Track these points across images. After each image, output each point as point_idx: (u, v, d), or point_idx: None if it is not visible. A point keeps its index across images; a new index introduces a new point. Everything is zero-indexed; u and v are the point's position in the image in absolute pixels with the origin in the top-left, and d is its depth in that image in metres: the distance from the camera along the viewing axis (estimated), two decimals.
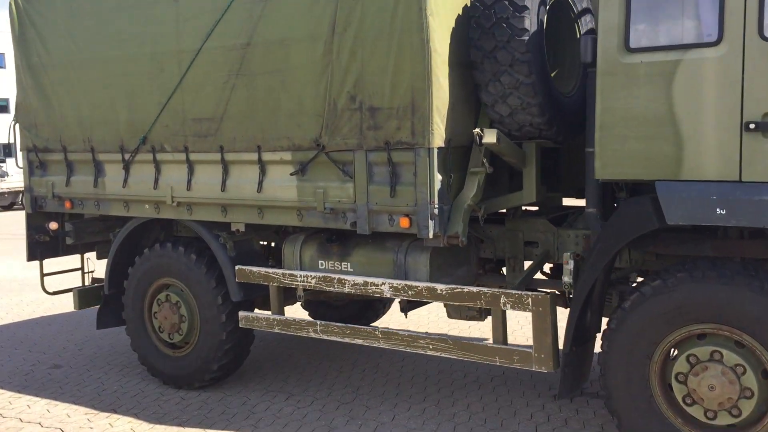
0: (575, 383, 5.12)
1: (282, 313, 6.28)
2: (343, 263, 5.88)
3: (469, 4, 5.34)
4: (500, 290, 5.14)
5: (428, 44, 5.04)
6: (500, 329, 5.24)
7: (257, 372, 7.30)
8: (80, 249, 8.02)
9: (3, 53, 50.80)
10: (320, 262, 6.00)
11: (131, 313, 7.12)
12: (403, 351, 7.31)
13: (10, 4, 7.28)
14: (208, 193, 6.29)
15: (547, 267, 6.19)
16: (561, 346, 5.00)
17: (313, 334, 6.00)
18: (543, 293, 4.98)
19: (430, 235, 5.21)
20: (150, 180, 6.62)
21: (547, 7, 5.27)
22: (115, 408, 6.55)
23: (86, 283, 8.10)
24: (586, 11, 5.78)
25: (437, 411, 6.12)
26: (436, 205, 5.19)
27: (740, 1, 4.27)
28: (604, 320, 5.15)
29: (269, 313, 6.33)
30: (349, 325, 5.87)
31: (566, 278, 4.97)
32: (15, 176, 26.78)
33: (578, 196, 6.51)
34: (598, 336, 5.14)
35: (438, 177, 5.19)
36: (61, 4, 6.95)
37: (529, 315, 5.18)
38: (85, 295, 7.61)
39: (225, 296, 6.53)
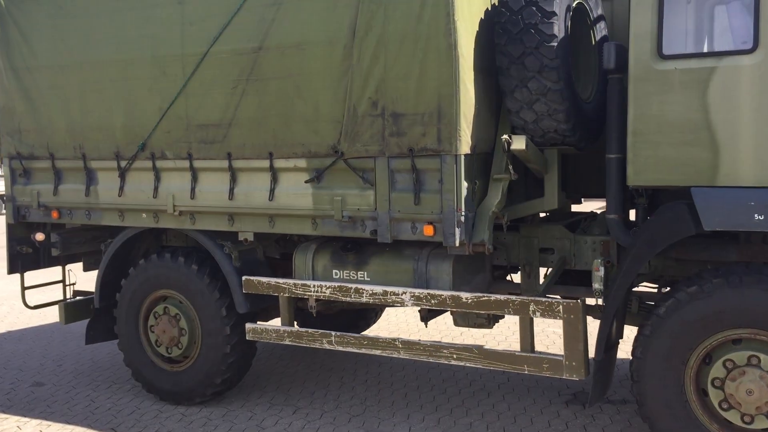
0: (604, 390, 5.11)
1: (292, 324, 6.11)
2: (359, 272, 5.76)
3: (490, 9, 5.30)
4: (529, 298, 5.10)
5: (456, 49, 4.97)
6: (528, 337, 5.19)
7: (256, 384, 7.10)
8: (62, 261, 7.68)
9: None
10: (334, 271, 5.86)
11: (125, 327, 6.84)
12: (406, 360, 7.35)
13: None
14: (213, 202, 6.09)
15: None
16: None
17: (327, 346, 5.85)
18: (574, 300, 4.95)
19: (457, 243, 5.14)
20: (149, 188, 6.37)
21: (571, 13, 5.27)
22: (113, 427, 6.27)
23: (68, 296, 7.78)
24: (600, 18, 5.80)
25: (452, 421, 6.04)
26: (463, 213, 5.12)
27: None
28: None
29: (277, 324, 6.15)
30: (366, 335, 5.75)
31: (597, 285, 4.95)
32: None
33: (575, 202, 6.55)
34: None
35: (464, 184, 5.12)
36: (47, 3, 6.64)
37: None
38: (72, 309, 7.29)
39: (229, 308, 6.32)
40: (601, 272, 4.95)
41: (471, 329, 8.42)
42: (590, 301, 5.40)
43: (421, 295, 5.39)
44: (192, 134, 6.08)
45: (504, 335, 8.31)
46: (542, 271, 5.92)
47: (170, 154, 6.22)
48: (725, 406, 4.60)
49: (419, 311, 5.85)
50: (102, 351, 8.45)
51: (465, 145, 5.08)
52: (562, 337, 5.01)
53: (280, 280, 5.98)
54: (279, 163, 5.75)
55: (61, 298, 7.78)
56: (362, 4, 5.23)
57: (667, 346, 4.69)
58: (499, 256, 5.99)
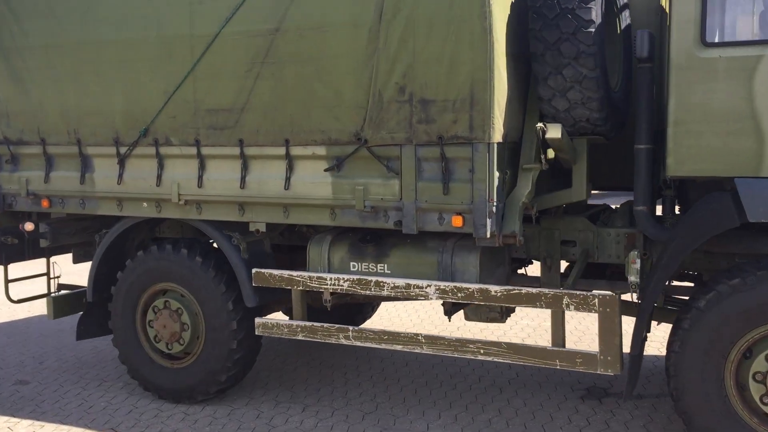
0: (635, 384, 5.01)
1: (305, 318, 5.87)
2: (378, 265, 5.55)
3: None
4: (563, 291, 4.96)
5: (491, 34, 4.80)
6: (559, 332, 5.06)
7: (257, 381, 6.84)
8: (47, 252, 7.30)
9: None
10: (352, 264, 5.64)
11: (121, 322, 6.50)
12: (409, 355, 7.17)
13: None
14: (223, 191, 5.81)
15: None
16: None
17: (344, 341, 5.64)
18: (610, 293, 4.83)
19: (488, 235, 4.97)
20: (151, 176, 6.06)
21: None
22: (113, 426, 5.96)
23: (52, 290, 7.40)
24: (626, 6, 5.69)
25: (470, 418, 5.88)
26: (495, 203, 4.95)
27: None
28: None
29: (286, 318, 5.91)
30: (387, 330, 5.54)
31: (633, 278, 4.84)
32: None
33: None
34: None
35: (496, 174, 4.96)
36: None
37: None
38: (61, 303, 6.91)
39: (236, 302, 6.06)
40: (638, 264, 4.83)
41: (467, 323, 8.33)
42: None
43: (447, 288, 5.21)
44: (200, 119, 5.79)
45: (502, 330, 8.19)
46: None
47: (176, 141, 5.92)
48: (767, 400, 4.54)
49: (442, 305, 5.67)
50: (85, 347, 8.08)
51: (498, 133, 4.92)
52: (597, 331, 4.88)
53: (294, 273, 5.74)
54: (296, 151, 5.51)
55: (45, 291, 7.43)
56: None
57: (706, 340, 4.61)
58: (518, 249, 5.85)
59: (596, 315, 4.88)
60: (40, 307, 9.51)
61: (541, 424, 5.71)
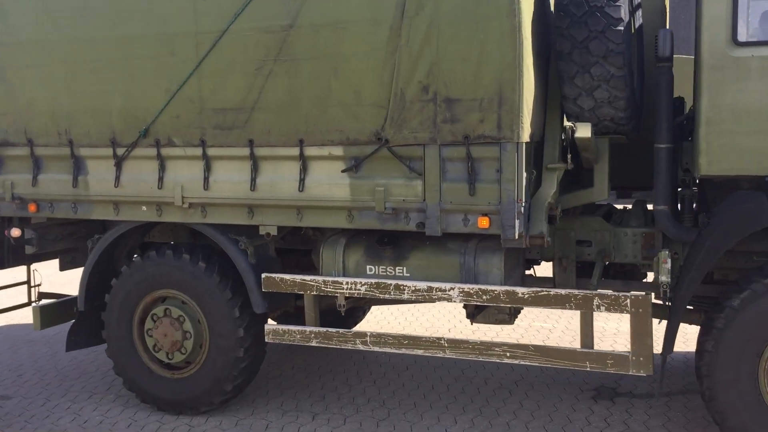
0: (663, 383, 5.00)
1: (318, 324, 5.69)
2: (397, 268, 5.41)
3: None
4: (593, 292, 4.91)
5: (520, 31, 4.71)
6: (589, 333, 5.01)
7: (256, 389, 6.60)
8: (27, 260, 6.94)
9: None
10: (368, 267, 5.49)
11: (116, 332, 6.20)
12: (407, 358, 7.04)
13: None
14: (231, 193, 5.59)
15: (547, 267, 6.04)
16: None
17: (361, 347, 5.48)
18: (642, 294, 4.80)
19: (516, 236, 4.88)
20: (152, 178, 5.79)
21: None
22: None
23: (33, 299, 7.05)
24: (639, 6, 5.68)
25: (487, 422, 5.79)
26: (523, 204, 4.87)
27: None
28: None
29: (294, 324, 5.73)
30: (407, 334, 5.41)
31: (664, 277, 4.82)
32: None
33: None
34: None
35: (524, 174, 4.87)
36: None
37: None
38: (48, 312, 6.56)
39: (242, 308, 5.84)
40: (669, 264, 4.81)
41: (457, 325, 8.27)
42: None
43: (472, 291, 5.11)
44: (206, 119, 5.55)
45: (494, 330, 8.13)
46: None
47: (179, 141, 5.66)
48: None
49: (464, 308, 5.56)
50: (63, 358, 7.73)
51: (526, 133, 4.84)
52: (629, 331, 4.84)
53: (307, 277, 5.56)
54: (311, 151, 5.32)
55: (26, 300, 7.07)
56: None
57: (741, 339, 4.61)
58: (532, 250, 5.79)
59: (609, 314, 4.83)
60: (9, 317, 9.06)
61: (561, 427, 5.66)
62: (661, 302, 5.09)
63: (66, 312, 6.66)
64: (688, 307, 5.59)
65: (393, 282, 5.29)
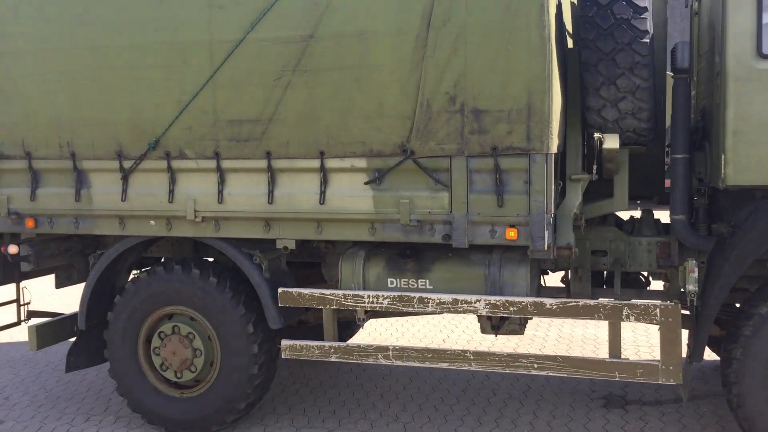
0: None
1: (336, 339, 5.59)
2: (419, 280, 5.36)
3: (575, 2, 5.11)
4: (622, 302, 4.93)
5: (550, 42, 4.72)
6: (617, 343, 5.03)
7: (264, 407, 6.45)
8: (17, 277, 6.67)
9: None
10: (390, 280, 5.42)
11: (120, 351, 5.99)
12: (405, 370, 7.00)
13: None
14: (247, 207, 5.45)
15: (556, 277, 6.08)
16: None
17: (383, 361, 5.40)
18: (672, 303, 4.84)
19: (545, 247, 4.88)
20: (162, 192, 5.62)
21: None
22: None
23: (23, 318, 6.78)
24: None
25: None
26: (552, 215, 4.88)
27: None
28: None
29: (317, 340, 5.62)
30: (430, 347, 5.35)
31: (691, 286, 4.87)
32: None
33: None
34: None
35: (552, 185, 4.89)
36: None
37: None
38: (45, 332, 6.29)
39: (256, 324, 5.70)
40: (696, 273, 4.87)
41: (450, 335, 8.25)
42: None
43: (498, 303, 5.09)
44: (220, 131, 5.42)
45: (489, 340, 8.14)
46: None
47: (191, 153, 5.51)
48: None
49: (488, 320, 5.54)
50: (49, 379, 7.45)
51: (554, 144, 4.85)
52: (659, 340, 4.88)
53: (326, 291, 5.46)
54: (332, 163, 5.24)
55: (14, 320, 6.79)
56: None
57: None
58: (546, 260, 5.80)
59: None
60: None
61: None
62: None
63: (63, 331, 6.42)
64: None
65: (417, 295, 5.24)
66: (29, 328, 6.25)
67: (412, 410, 6.30)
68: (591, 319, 4.99)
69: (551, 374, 5.09)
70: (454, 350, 5.27)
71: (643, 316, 4.87)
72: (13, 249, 6.03)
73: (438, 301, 5.20)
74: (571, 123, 5.33)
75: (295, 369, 7.39)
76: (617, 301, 4.94)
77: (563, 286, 6.37)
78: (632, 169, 5.81)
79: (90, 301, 6.05)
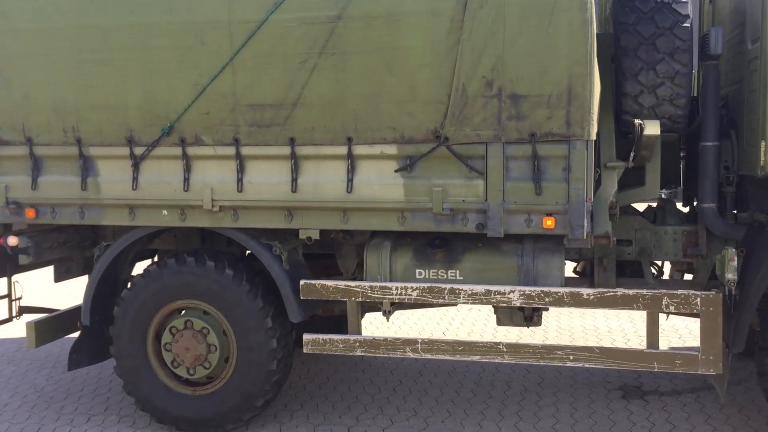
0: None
1: (360, 332, 5.41)
2: (449, 271, 5.20)
3: None
4: (662, 291, 4.84)
5: (591, 25, 4.60)
6: (655, 333, 4.95)
7: (275, 403, 6.22)
8: (9, 271, 6.32)
9: None
10: (418, 271, 5.25)
11: (128, 348, 5.70)
12: (408, 362, 6.86)
13: None
14: (269, 195, 5.22)
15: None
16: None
17: (411, 354, 5.23)
18: (713, 293, 4.77)
19: (585, 236, 4.77)
20: (176, 180, 5.35)
21: None
22: None
23: (14, 314, 6.43)
24: None
25: (531, 426, 5.66)
26: (591, 202, 4.77)
27: None
28: None
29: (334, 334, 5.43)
30: (461, 340, 5.20)
31: (731, 275, 4.80)
32: None
33: None
34: None
35: (592, 172, 4.77)
36: None
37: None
38: (45, 328, 5.97)
39: (275, 318, 5.48)
40: (736, 262, 4.80)
41: (449, 327, 8.13)
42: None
43: (533, 293, 4.96)
44: (240, 116, 5.17)
45: (490, 332, 8.04)
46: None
47: (208, 140, 5.25)
48: None
49: (520, 311, 5.41)
50: (39, 378, 7.11)
51: (594, 130, 4.73)
52: (699, 330, 4.81)
53: (351, 283, 5.26)
54: (360, 150, 5.04)
55: (7, 316, 6.44)
56: None
57: None
58: (570, 250, 5.70)
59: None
60: None
61: (609, 428, 5.59)
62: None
63: (63, 327, 6.11)
64: None
65: (447, 286, 5.08)
66: (27, 324, 5.92)
67: (429, 404, 6.15)
68: (630, 309, 4.90)
69: (587, 366, 4.98)
70: (486, 342, 5.13)
71: (684, 305, 4.80)
72: (12, 240, 5.69)
73: (470, 292, 5.05)
74: (603, 108, 5.22)
75: (296, 364, 7.17)
76: (656, 291, 4.85)
77: (576, 276, 6.32)
78: None
79: (95, 295, 5.74)
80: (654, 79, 4.88)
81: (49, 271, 6.57)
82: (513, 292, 4.99)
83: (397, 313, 8.92)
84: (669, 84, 4.87)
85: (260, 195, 5.24)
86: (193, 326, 5.56)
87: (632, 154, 4.95)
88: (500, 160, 4.84)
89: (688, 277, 6.09)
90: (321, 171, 5.14)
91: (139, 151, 5.36)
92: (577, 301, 4.93)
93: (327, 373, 6.95)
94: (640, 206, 5.96)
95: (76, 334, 6.11)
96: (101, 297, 5.82)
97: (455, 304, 5.25)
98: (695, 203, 5.79)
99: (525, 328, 8.14)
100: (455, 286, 5.07)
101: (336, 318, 7.11)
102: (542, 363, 5.04)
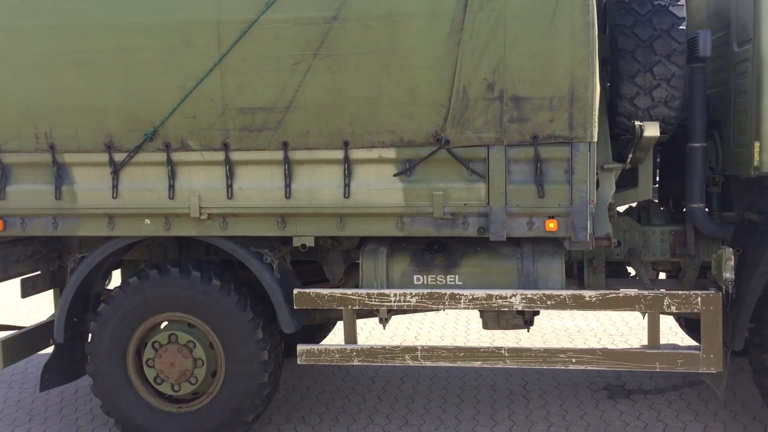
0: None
1: (356, 341, 5.26)
2: (448, 276, 5.12)
3: None
4: (663, 292, 4.88)
5: (593, 28, 4.59)
6: (656, 333, 4.98)
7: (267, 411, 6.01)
8: None
9: None
10: (416, 277, 5.15)
11: (106, 365, 5.41)
12: (405, 369, 6.77)
13: None
14: (261, 201, 5.03)
15: None
16: None
17: (411, 362, 5.12)
18: (713, 292, 4.83)
19: (588, 238, 4.76)
20: (161, 187, 5.10)
21: None
22: None
23: None
24: None
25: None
26: (594, 204, 4.76)
27: None
28: None
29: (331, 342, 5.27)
30: (462, 346, 5.12)
31: (728, 274, 4.87)
32: None
33: None
34: None
35: (594, 174, 4.77)
36: None
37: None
38: (13, 346, 5.60)
39: (266, 329, 5.29)
40: (733, 261, 4.88)
41: (431, 331, 8.06)
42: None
43: (535, 297, 4.92)
44: (230, 120, 4.96)
45: (475, 335, 8.01)
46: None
47: (195, 145, 5.02)
48: None
49: (520, 314, 5.35)
50: (9, 399, 6.66)
51: (596, 132, 4.73)
52: (701, 330, 4.86)
53: (348, 291, 5.12)
54: (357, 154, 4.90)
55: None
56: None
57: None
58: None
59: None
60: None
61: (603, 429, 5.60)
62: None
63: (31, 345, 5.77)
64: None
65: (447, 291, 4.99)
66: None
67: (418, 412, 6.05)
68: (632, 310, 4.92)
69: (589, 368, 4.98)
70: (488, 348, 5.07)
71: (685, 305, 4.84)
72: None
73: (471, 297, 4.97)
74: (598, 110, 5.22)
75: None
76: (658, 292, 4.88)
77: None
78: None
79: (69, 311, 5.42)
80: (650, 81, 4.91)
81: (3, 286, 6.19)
82: (515, 296, 4.94)
83: (366, 320, 8.79)
84: (665, 86, 4.91)
85: (251, 201, 5.04)
86: (178, 340, 5.31)
87: (630, 155, 4.96)
88: (502, 163, 4.78)
89: (662, 276, 6.18)
90: (316, 176, 4.98)
91: (119, 157, 5.09)
92: (579, 304, 4.91)
93: (306, 383, 6.77)
94: (619, 207, 6.03)
95: (44, 352, 5.77)
96: (73, 312, 5.51)
97: (443, 309, 5.17)
98: (682, 203, 5.90)
99: (500, 332, 8.17)
100: (456, 291, 4.99)
101: (315, 327, 6.99)
102: (545, 366, 5.00)
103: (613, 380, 6.59)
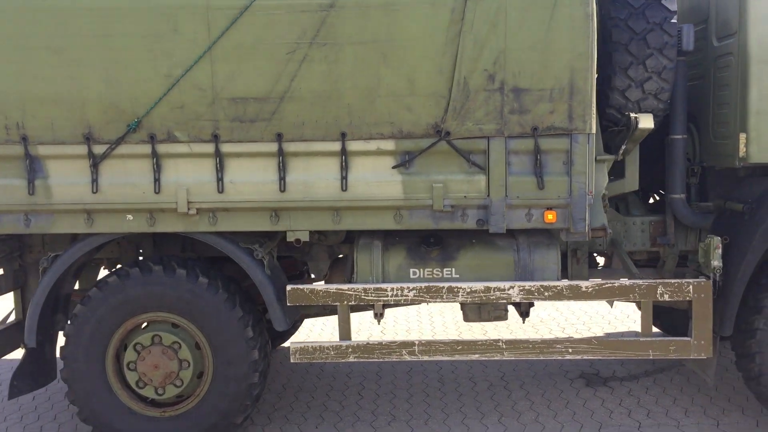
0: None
1: (350, 337, 5.15)
2: (445, 269, 5.07)
3: None
4: (657, 281, 4.97)
5: (593, 20, 4.62)
6: (649, 322, 5.07)
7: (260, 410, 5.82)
8: None
9: None
10: (412, 270, 5.08)
11: (83, 370, 5.12)
12: (386, 364, 6.69)
13: None
14: (254, 195, 4.85)
15: None
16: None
17: (408, 357, 5.05)
18: (704, 280, 4.95)
19: (586, 229, 4.81)
20: (145, 181, 4.85)
21: None
22: None
23: None
24: None
25: (516, 422, 5.64)
26: (593, 196, 4.81)
27: None
28: None
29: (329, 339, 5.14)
30: (459, 339, 5.08)
31: (716, 262, 5.00)
32: None
33: None
34: None
35: (594, 165, 4.81)
36: None
37: None
38: None
39: (255, 327, 5.12)
40: (720, 250, 5.01)
41: (420, 325, 8.02)
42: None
43: (533, 288, 4.93)
44: (220, 110, 4.76)
45: (462, 328, 7.99)
46: None
47: (182, 136, 4.80)
48: None
49: (516, 306, 5.35)
50: None
51: (594, 123, 4.77)
52: (692, 317, 4.97)
53: (343, 286, 5.00)
54: (355, 146, 4.79)
55: None
56: None
57: None
58: None
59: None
60: None
61: (590, 416, 5.68)
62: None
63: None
64: None
65: (445, 285, 4.95)
66: None
67: (403, 407, 5.98)
68: (627, 300, 5.00)
69: (586, 357, 5.03)
70: (486, 341, 5.05)
71: (677, 293, 4.94)
72: None
73: (469, 290, 4.94)
74: None
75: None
76: (651, 281, 4.97)
77: None
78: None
79: (42, 314, 5.10)
80: (643, 74, 4.98)
81: None
82: (513, 287, 4.94)
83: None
84: (656, 78, 5.00)
85: (243, 195, 4.85)
86: (162, 341, 5.08)
87: (623, 147, 5.02)
88: (502, 154, 4.76)
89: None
90: (312, 168, 4.84)
91: (99, 149, 4.81)
92: (576, 294, 4.95)
93: (281, 382, 6.61)
94: None
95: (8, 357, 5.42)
96: (44, 314, 5.18)
97: (443, 302, 5.12)
98: (653, 193, 6.05)
99: (467, 323, 8.18)
100: (453, 284, 4.95)
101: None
102: (542, 357, 5.02)
103: (586, 368, 6.70)
